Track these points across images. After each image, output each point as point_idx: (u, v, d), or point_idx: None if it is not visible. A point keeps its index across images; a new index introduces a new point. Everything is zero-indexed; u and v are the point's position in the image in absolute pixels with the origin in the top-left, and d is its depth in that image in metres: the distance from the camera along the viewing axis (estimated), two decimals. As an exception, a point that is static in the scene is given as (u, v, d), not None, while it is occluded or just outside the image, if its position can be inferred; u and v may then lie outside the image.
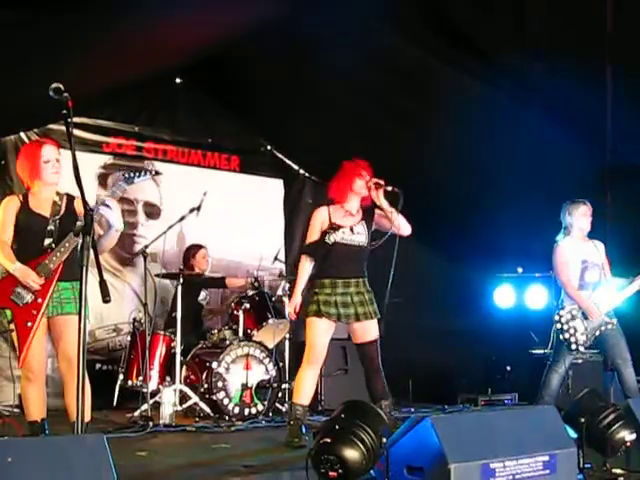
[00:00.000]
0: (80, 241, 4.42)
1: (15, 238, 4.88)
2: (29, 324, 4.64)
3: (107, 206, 4.73)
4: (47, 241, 4.83)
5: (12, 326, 4.71)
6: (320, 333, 5.76)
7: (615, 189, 7.74)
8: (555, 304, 6.70)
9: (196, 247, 8.50)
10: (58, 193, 4.98)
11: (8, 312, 4.71)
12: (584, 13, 6.22)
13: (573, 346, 6.43)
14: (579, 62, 6.44)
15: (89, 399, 4.84)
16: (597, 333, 6.43)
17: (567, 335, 6.43)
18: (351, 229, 5.84)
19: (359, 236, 5.85)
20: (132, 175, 4.83)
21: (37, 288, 4.72)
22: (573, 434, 4.43)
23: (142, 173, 4.86)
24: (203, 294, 8.32)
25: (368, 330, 5.83)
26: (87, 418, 4.79)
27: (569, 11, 6.23)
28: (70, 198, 5.01)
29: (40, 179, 4.89)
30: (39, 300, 4.69)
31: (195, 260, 8.34)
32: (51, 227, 4.85)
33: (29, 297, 4.69)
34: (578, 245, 6.61)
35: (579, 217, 6.58)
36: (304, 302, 5.89)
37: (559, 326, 6.48)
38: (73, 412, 4.75)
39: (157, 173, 5.07)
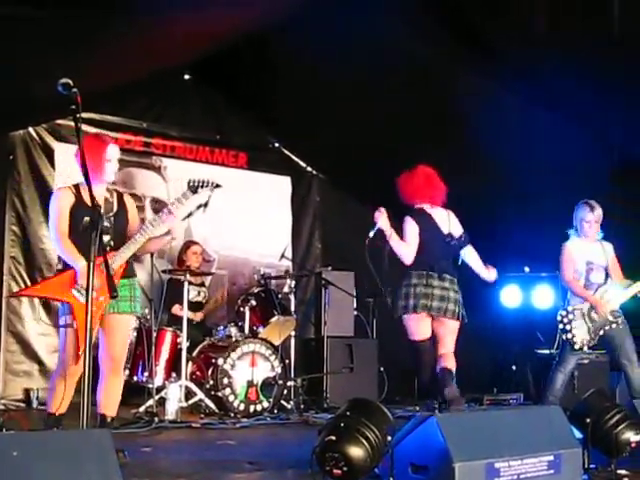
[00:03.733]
0: (140, 238, 4.74)
1: (72, 232, 4.77)
2: None
3: (171, 213, 4.86)
4: (106, 238, 4.73)
5: (67, 320, 4.66)
6: None
7: (625, 189, 7.70)
8: (562, 304, 6.68)
9: (189, 243, 8.51)
10: (108, 189, 4.96)
11: (65, 306, 4.68)
12: (594, 12, 6.22)
13: (576, 345, 6.41)
14: (590, 61, 6.42)
15: (119, 395, 4.95)
16: (601, 332, 6.40)
17: (570, 335, 6.42)
18: None
19: None
20: (196, 185, 4.99)
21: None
22: (579, 434, 4.42)
23: (205, 184, 5.04)
24: (195, 291, 8.30)
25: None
26: (114, 413, 4.92)
27: (578, 10, 6.23)
28: (120, 194, 5.02)
29: (101, 175, 4.81)
30: (101, 298, 4.62)
31: (186, 256, 8.34)
32: (107, 224, 4.78)
33: (92, 293, 4.63)
34: (584, 246, 6.57)
35: (579, 221, 6.54)
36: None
37: (561, 326, 6.48)
38: (102, 405, 4.81)
39: (218, 186, 5.17)
